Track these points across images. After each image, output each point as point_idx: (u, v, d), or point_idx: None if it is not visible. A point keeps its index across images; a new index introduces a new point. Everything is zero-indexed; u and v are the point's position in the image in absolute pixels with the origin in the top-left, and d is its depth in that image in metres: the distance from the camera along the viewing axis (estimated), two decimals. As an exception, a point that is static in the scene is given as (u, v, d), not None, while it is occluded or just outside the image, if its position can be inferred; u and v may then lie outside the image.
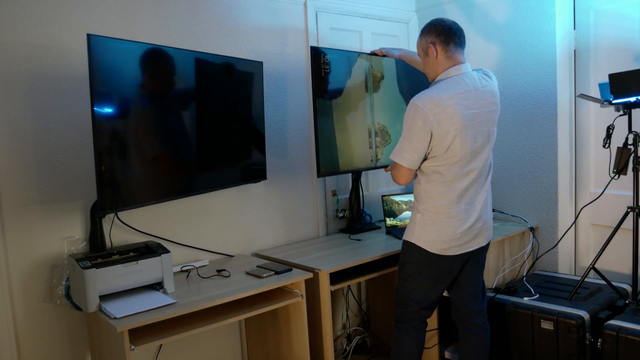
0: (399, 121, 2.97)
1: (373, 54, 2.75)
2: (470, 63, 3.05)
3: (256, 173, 2.56)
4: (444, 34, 1.99)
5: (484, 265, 2.21)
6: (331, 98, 2.65)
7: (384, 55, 2.72)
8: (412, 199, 2.96)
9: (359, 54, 2.78)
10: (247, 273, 2.26)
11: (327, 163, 2.64)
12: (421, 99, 1.91)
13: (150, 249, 2.06)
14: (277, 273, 2.21)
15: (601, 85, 2.37)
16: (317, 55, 2.58)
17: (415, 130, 1.91)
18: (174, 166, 2.12)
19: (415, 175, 2.08)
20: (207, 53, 2.31)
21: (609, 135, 2.33)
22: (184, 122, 2.15)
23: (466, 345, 2.22)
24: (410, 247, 2.08)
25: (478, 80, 2.01)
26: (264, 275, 2.18)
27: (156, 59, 2.04)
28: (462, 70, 2.00)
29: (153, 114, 2.05)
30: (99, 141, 1.79)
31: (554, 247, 2.88)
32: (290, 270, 2.25)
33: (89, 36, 1.74)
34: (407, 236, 2.10)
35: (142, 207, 2.04)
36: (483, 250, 2.15)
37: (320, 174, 2.64)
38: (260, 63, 2.52)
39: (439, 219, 2.00)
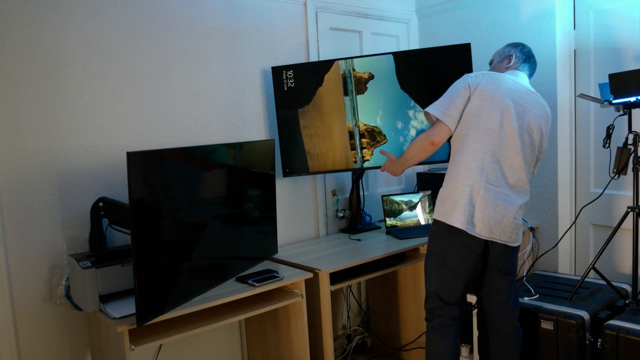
0: (400, 118, 2.96)
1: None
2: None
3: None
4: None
5: (508, 272, 2.13)
6: (297, 107, 2.76)
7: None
8: (412, 199, 2.97)
9: (335, 60, 2.77)
10: (237, 280, 2.20)
11: (293, 165, 2.79)
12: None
13: (150, 249, 2.06)
14: (262, 280, 2.14)
15: (601, 85, 2.37)
16: (279, 73, 2.72)
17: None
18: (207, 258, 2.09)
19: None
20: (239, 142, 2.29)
21: (609, 135, 2.33)
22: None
23: (495, 354, 2.20)
24: (432, 228, 2.10)
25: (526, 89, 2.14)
26: (257, 284, 2.11)
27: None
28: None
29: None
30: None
31: (554, 247, 2.88)
32: (280, 278, 2.17)
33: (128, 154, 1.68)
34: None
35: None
36: (506, 250, 2.09)
37: (286, 174, 2.79)
38: (273, 141, 2.52)
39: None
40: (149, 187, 1.77)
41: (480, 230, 1.98)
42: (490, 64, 2.32)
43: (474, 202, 1.97)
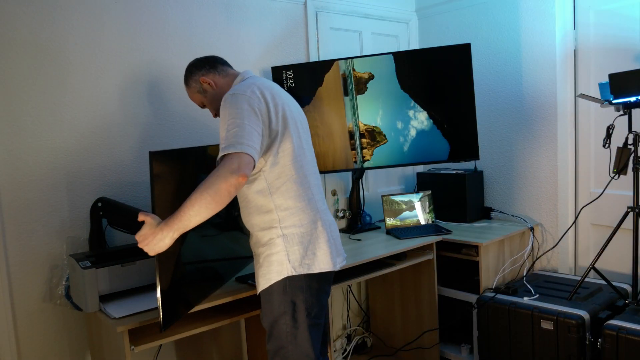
0: (400, 119, 2.96)
1: None
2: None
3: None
4: (205, 63, 1.84)
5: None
6: None
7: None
8: (412, 199, 2.97)
9: (335, 60, 2.78)
10: (237, 279, 2.19)
11: None
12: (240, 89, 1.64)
13: (150, 249, 2.06)
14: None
15: (601, 85, 2.37)
16: (279, 73, 2.73)
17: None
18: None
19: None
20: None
21: (609, 135, 2.33)
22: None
23: None
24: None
25: None
26: (250, 281, 2.10)
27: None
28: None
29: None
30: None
31: (554, 247, 2.88)
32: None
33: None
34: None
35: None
36: None
37: None
38: None
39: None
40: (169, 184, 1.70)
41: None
42: (205, 92, 1.85)
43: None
